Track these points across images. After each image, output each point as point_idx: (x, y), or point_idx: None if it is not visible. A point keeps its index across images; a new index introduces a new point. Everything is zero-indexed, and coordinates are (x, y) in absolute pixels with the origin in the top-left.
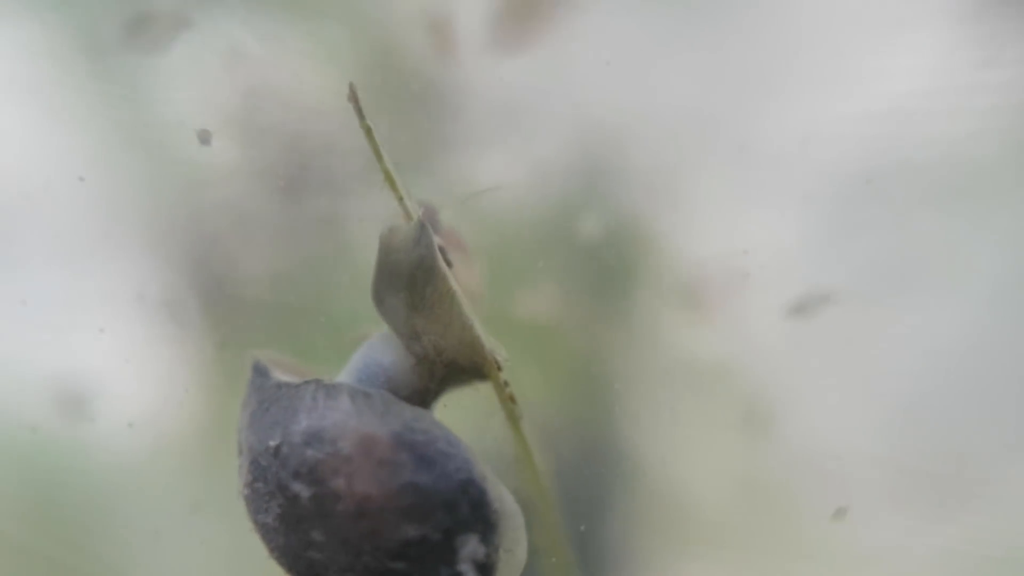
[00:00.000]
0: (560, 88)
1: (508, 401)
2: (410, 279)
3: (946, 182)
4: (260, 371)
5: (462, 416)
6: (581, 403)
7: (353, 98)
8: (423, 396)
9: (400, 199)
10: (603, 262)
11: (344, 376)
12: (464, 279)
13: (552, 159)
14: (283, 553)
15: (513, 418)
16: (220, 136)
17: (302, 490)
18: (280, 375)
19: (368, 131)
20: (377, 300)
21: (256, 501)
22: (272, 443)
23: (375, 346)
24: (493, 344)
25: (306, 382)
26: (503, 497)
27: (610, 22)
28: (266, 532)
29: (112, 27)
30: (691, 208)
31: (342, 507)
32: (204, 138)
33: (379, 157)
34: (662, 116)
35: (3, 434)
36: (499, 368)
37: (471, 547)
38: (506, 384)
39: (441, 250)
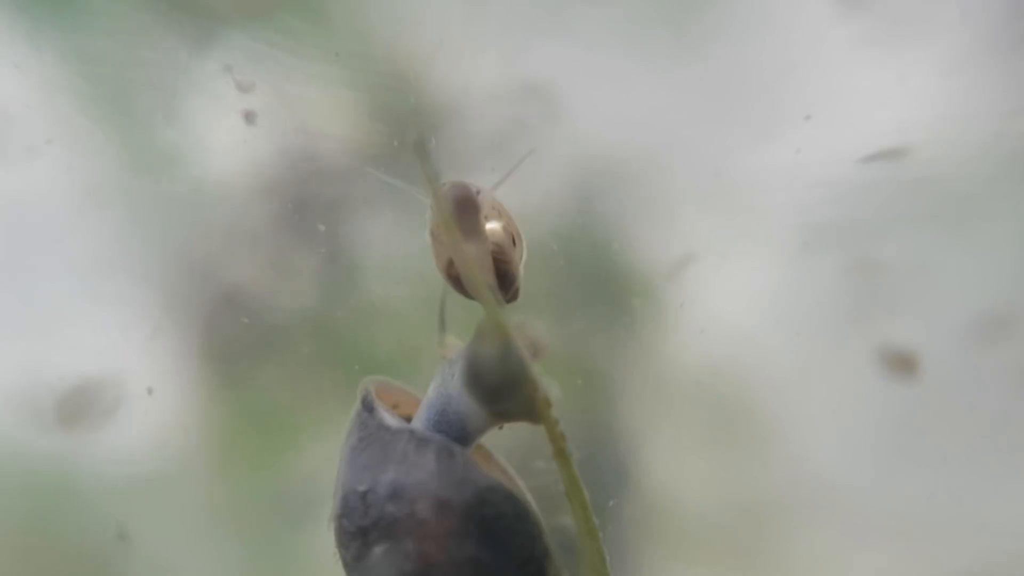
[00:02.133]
0: (555, 118)
1: (559, 439)
2: (494, 392)
3: (941, 215)
4: (368, 406)
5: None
6: (580, 414)
7: (420, 150)
8: (488, 432)
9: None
10: (598, 279)
11: (424, 412)
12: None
13: (548, 184)
14: None
15: (563, 456)
16: (227, 159)
17: (376, 543)
18: (384, 412)
19: (434, 177)
20: (465, 387)
21: (340, 535)
22: (361, 488)
23: (452, 390)
24: (545, 381)
25: (402, 430)
26: (559, 573)
27: (603, 54)
28: (345, 565)
29: (121, 56)
30: (684, 237)
31: (409, 567)
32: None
33: (439, 209)
34: (653, 146)
35: (13, 450)
36: (550, 406)
37: None
38: (557, 422)
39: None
